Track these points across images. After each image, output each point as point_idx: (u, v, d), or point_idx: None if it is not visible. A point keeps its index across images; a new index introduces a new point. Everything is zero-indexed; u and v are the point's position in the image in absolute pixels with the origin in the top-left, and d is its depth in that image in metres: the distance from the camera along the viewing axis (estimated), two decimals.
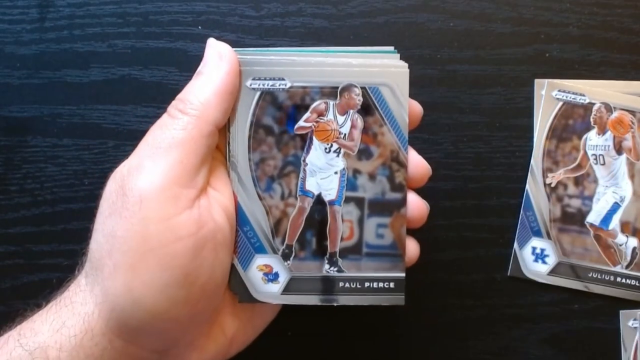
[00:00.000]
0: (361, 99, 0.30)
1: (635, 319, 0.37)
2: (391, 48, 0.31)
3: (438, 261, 0.38)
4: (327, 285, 0.30)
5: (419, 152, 0.31)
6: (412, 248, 0.31)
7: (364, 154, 0.30)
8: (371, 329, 0.38)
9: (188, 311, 0.27)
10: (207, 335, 0.30)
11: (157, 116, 0.37)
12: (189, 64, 0.37)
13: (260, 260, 0.30)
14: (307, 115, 0.30)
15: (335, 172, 0.30)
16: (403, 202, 0.30)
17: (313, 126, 0.30)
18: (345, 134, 0.30)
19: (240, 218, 0.30)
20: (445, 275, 0.38)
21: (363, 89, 0.30)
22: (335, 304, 0.31)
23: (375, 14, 0.38)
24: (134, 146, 0.28)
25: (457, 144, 0.38)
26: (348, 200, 0.30)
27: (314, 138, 0.30)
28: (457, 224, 0.38)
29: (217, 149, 0.30)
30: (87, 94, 0.38)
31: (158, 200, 0.26)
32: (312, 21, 0.38)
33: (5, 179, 0.38)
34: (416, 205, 0.31)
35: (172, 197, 0.26)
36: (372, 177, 0.30)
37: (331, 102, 0.30)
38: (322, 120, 0.30)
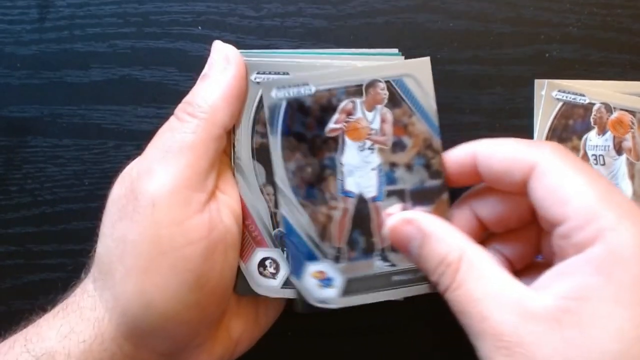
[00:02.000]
0: (387, 93, 0.30)
1: None
2: (395, 50, 0.31)
3: None
4: (383, 281, 0.30)
5: None
6: None
7: (398, 146, 0.30)
8: (371, 328, 0.38)
9: (198, 314, 0.27)
10: (214, 337, 0.30)
11: (157, 116, 0.37)
12: (189, 64, 0.37)
13: (312, 268, 0.30)
14: (336, 116, 0.30)
15: (372, 169, 0.30)
16: (443, 188, 0.30)
17: (343, 126, 0.30)
18: (376, 130, 0.30)
19: (287, 229, 0.30)
20: None
21: (387, 82, 0.30)
22: (397, 299, 0.31)
23: (375, 15, 0.38)
24: (134, 146, 0.28)
25: (457, 144, 0.38)
26: (389, 194, 0.30)
27: (346, 138, 0.30)
28: None
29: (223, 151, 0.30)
30: (87, 94, 0.38)
31: (170, 204, 0.26)
32: (312, 21, 0.38)
33: (5, 179, 0.38)
34: None
35: (184, 201, 0.26)
36: (409, 167, 0.30)
37: (358, 100, 0.30)
38: (351, 120, 0.30)
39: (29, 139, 0.38)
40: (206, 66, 0.29)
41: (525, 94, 0.38)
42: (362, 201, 0.30)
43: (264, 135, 0.30)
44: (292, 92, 0.30)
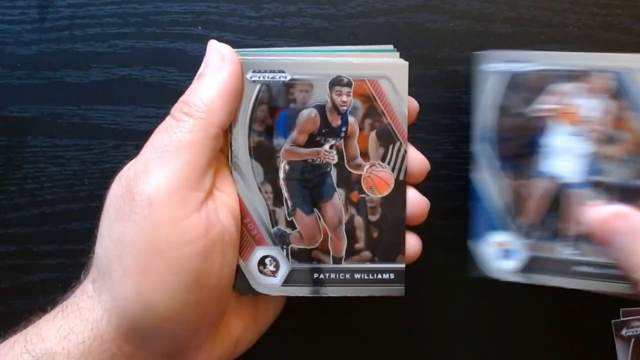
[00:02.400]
0: (611, 83, 0.29)
1: (628, 328, 0.37)
2: (390, 46, 0.31)
3: (438, 261, 0.38)
4: (564, 267, 0.30)
5: (419, 152, 0.31)
6: (414, 244, 0.31)
7: (610, 138, 0.30)
8: (371, 328, 0.38)
9: (198, 314, 0.27)
10: (213, 337, 0.30)
11: (157, 116, 0.37)
12: (189, 64, 0.37)
13: (496, 237, 0.30)
14: (551, 98, 0.30)
15: (579, 155, 0.30)
16: None
17: (556, 109, 0.30)
18: (591, 118, 0.30)
19: (479, 193, 0.30)
20: (445, 275, 0.38)
21: (611, 73, 0.30)
22: (581, 288, 0.30)
23: (375, 14, 0.38)
24: (134, 146, 0.28)
25: (457, 144, 0.38)
26: (591, 184, 0.30)
27: (557, 121, 0.30)
28: (457, 224, 0.38)
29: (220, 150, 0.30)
30: (87, 94, 0.38)
31: (167, 203, 0.26)
32: (311, 21, 0.38)
33: (5, 179, 0.38)
34: (416, 202, 0.31)
35: (181, 200, 0.26)
36: (618, 162, 0.30)
37: (577, 86, 0.30)
38: (566, 104, 0.30)
39: (29, 139, 0.38)
40: (202, 65, 0.29)
41: None
42: (563, 185, 0.30)
43: (261, 133, 0.30)
44: (510, 68, 0.30)
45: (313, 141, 0.31)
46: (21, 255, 0.38)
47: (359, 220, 0.31)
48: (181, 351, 0.28)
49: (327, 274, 0.31)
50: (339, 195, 0.31)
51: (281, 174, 0.31)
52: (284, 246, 0.31)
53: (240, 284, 0.30)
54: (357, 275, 0.31)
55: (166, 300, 0.26)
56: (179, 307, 0.26)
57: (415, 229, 0.32)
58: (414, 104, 0.31)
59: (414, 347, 0.38)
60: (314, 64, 0.30)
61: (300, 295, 0.31)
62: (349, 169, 0.31)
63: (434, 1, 0.38)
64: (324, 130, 0.31)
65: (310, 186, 0.31)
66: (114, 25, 0.38)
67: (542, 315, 0.38)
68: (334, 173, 0.31)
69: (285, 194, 0.31)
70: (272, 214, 0.30)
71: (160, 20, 0.38)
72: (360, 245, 0.31)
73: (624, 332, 0.37)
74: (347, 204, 0.31)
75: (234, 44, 0.30)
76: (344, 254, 0.31)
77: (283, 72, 0.30)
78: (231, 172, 0.30)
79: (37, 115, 0.38)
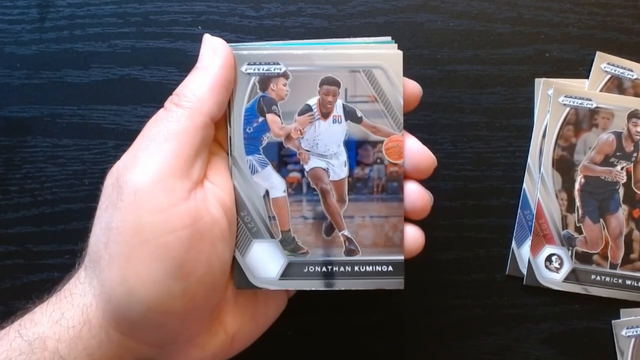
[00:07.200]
0: None
1: (628, 328, 0.37)
2: (388, 38, 0.31)
3: (438, 261, 0.38)
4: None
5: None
6: (416, 236, 0.31)
7: None
8: (371, 328, 0.38)
9: (185, 304, 0.27)
10: (207, 331, 0.29)
11: None
12: (189, 64, 0.37)
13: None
14: None
15: None
16: None
17: None
18: None
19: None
20: (445, 275, 0.38)
21: None
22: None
23: (375, 14, 0.38)
24: None
25: (457, 144, 0.38)
26: None
27: None
28: (457, 224, 0.38)
29: (219, 144, 0.30)
30: (87, 94, 0.38)
31: (152, 191, 0.26)
32: (311, 21, 0.38)
33: (5, 179, 0.38)
34: (419, 196, 0.30)
35: (167, 188, 0.26)
36: None
37: None
38: None
39: (29, 139, 0.38)
40: (198, 60, 0.30)
41: (525, 94, 0.38)
42: None
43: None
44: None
45: (607, 161, 0.36)
46: (21, 255, 0.38)
47: (637, 234, 0.37)
48: (171, 343, 0.28)
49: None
50: (623, 210, 0.36)
51: (576, 186, 0.36)
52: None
53: (238, 278, 0.30)
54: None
55: (150, 287, 0.26)
56: (163, 295, 0.26)
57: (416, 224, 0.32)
58: (416, 88, 0.30)
59: (413, 346, 0.38)
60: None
61: (299, 288, 0.31)
62: (634, 189, 0.37)
63: (434, 1, 0.38)
64: (618, 154, 0.36)
65: (600, 199, 0.36)
66: (114, 25, 0.38)
67: (542, 314, 0.38)
68: (621, 191, 0.36)
69: (578, 203, 0.37)
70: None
71: (160, 20, 0.38)
72: (635, 255, 0.37)
73: (624, 332, 0.37)
74: (628, 219, 0.37)
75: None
76: (620, 261, 0.37)
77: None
78: (230, 166, 0.30)
79: (37, 115, 0.38)
